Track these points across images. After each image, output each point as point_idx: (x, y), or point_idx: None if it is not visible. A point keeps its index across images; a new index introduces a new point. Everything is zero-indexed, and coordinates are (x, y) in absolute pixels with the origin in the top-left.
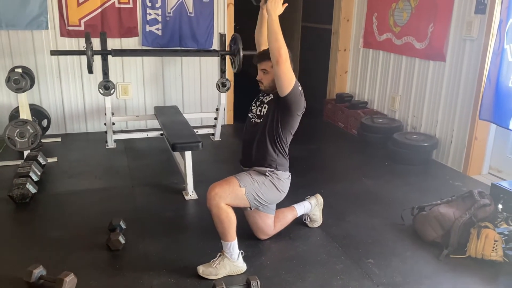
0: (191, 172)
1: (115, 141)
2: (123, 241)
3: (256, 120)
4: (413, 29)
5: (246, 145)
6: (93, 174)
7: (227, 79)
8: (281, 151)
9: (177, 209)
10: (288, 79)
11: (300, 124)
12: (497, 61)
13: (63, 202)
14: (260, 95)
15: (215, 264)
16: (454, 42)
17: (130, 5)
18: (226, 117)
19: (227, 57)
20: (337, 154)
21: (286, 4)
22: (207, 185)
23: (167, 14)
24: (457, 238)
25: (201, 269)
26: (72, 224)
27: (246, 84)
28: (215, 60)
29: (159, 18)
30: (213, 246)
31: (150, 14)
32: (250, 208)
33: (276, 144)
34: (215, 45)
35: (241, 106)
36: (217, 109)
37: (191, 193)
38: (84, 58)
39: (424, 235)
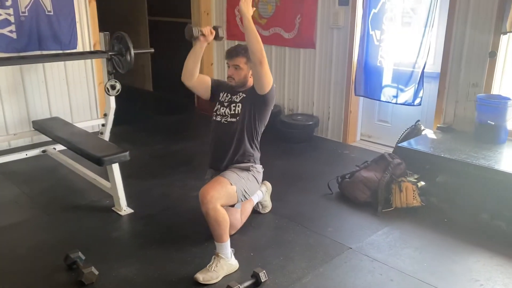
0: (122, 186)
1: None
2: (96, 273)
3: (230, 120)
4: (280, 20)
5: (220, 146)
6: None
7: (116, 81)
8: (257, 145)
9: (119, 228)
10: (268, 78)
11: (175, 121)
12: (364, 45)
13: None
14: (223, 96)
15: (212, 268)
16: (322, 31)
17: None
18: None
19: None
20: None
21: (255, 8)
22: (130, 196)
23: (21, 14)
24: (384, 195)
25: (201, 277)
26: (8, 271)
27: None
28: (82, 63)
29: (12, 19)
30: (189, 252)
31: (0, 14)
32: (233, 205)
33: (253, 139)
34: (80, 46)
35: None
36: (105, 115)
37: (125, 208)
38: None
39: (356, 198)
